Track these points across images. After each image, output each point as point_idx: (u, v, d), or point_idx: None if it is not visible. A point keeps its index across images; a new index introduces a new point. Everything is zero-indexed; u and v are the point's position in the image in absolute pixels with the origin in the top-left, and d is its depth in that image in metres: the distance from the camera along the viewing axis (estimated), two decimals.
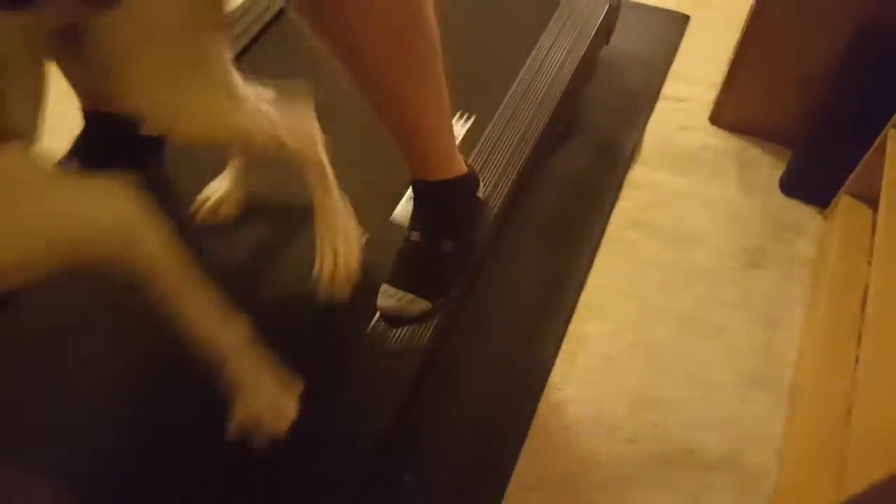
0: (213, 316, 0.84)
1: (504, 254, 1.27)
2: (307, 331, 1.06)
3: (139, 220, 0.75)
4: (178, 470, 0.92)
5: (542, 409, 1.16)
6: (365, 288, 1.07)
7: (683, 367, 1.23)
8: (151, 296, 0.79)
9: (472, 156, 1.22)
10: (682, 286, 1.33)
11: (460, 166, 1.06)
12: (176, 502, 0.90)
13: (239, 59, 1.34)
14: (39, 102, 0.78)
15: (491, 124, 1.28)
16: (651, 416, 1.17)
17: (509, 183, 1.22)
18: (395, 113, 0.96)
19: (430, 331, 1.06)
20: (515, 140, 1.27)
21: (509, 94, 1.33)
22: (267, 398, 0.90)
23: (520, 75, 1.36)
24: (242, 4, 1.49)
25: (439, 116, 0.99)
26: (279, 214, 1.20)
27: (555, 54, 1.41)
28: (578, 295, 1.30)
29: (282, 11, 1.46)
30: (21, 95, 0.75)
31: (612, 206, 1.43)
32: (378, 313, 1.04)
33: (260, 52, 1.40)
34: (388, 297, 1.03)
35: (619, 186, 1.45)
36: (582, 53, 1.42)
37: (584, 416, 1.16)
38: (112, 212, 0.74)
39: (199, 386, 0.89)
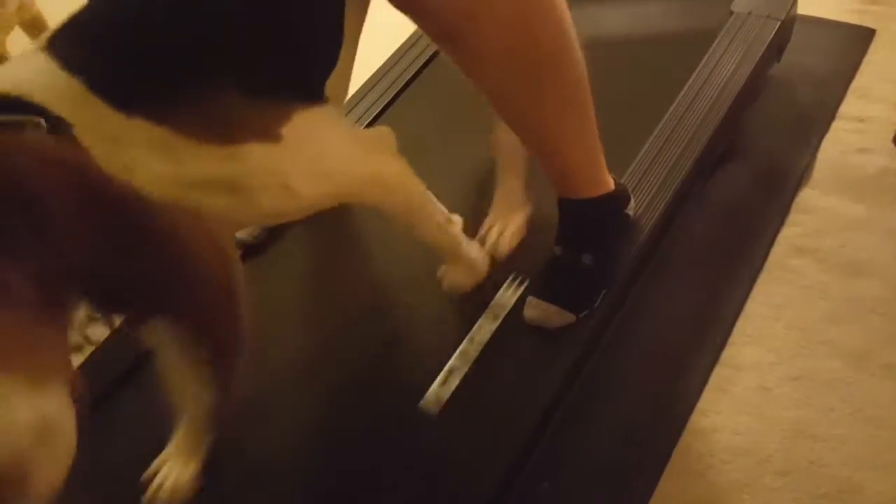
0: (440, 224, 1.01)
1: (657, 274, 1.25)
2: (454, 336, 1.12)
3: (403, 173, 0.90)
4: (313, 470, 1.00)
5: (688, 433, 1.13)
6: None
7: (850, 404, 1.14)
8: (394, 221, 0.97)
9: (627, 174, 1.22)
10: (853, 320, 1.23)
11: (607, 184, 1.07)
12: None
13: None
14: (348, 75, 0.90)
15: (648, 142, 1.28)
16: (808, 451, 1.09)
17: (664, 203, 1.20)
18: (541, 144, 0.99)
19: (575, 344, 1.08)
20: (673, 159, 1.25)
21: (669, 111, 1.32)
22: (467, 269, 1.10)
23: (681, 93, 1.34)
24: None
25: (587, 142, 1.00)
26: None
27: (719, 72, 1.38)
28: (735, 321, 1.25)
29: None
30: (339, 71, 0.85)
31: (776, 231, 1.35)
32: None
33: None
34: (534, 307, 1.06)
35: (786, 211, 1.37)
36: (749, 72, 1.37)
37: (732, 445, 1.11)
38: (382, 165, 0.86)
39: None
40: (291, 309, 1.22)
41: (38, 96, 0.58)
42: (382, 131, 0.90)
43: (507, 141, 1.11)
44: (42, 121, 0.56)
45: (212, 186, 0.69)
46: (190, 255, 0.55)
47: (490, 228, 1.17)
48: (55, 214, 0.47)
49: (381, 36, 1.23)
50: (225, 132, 0.68)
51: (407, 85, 1.46)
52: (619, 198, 1.09)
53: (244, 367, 0.63)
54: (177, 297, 0.55)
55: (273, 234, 1.28)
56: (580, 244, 1.06)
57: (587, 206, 1.05)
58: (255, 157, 0.70)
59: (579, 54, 0.90)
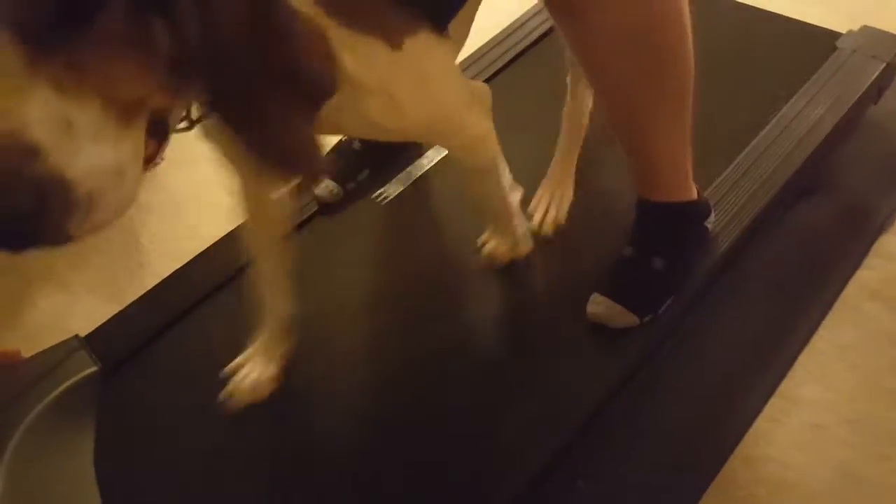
0: (504, 189, 1.02)
1: (726, 294, 1.22)
2: (506, 328, 1.14)
3: (489, 129, 0.91)
4: (353, 471, 1.00)
5: (735, 458, 1.10)
6: (572, 296, 1.11)
7: None
8: (465, 174, 0.99)
9: (710, 189, 1.20)
10: None
11: (690, 191, 1.06)
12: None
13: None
14: (470, 23, 0.93)
15: (736, 161, 1.26)
16: (856, 495, 1.06)
17: (743, 224, 1.19)
18: (632, 133, 0.98)
19: (634, 347, 1.07)
20: (757, 183, 1.24)
21: (760, 135, 1.30)
22: (517, 239, 1.12)
23: (774, 119, 1.32)
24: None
25: (678, 143, 1.00)
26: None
27: (814, 107, 1.35)
28: (798, 354, 1.22)
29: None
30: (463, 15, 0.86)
31: (852, 272, 1.32)
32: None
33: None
34: (597, 304, 1.06)
35: (864, 253, 1.34)
36: (844, 112, 1.34)
37: (779, 478, 1.08)
38: (475, 115, 0.88)
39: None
40: (358, 269, 1.24)
41: None
42: (483, 87, 0.91)
43: (573, 112, 1.18)
44: None
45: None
46: (307, 70, 0.56)
47: (539, 203, 1.21)
48: None
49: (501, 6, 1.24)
50: (360, 20, 0.68)
51: (514, 59, 1.49)
52: (700, 208, 1.08)
53: None
54: (279, 101, 0.56)
55: (350, 196, 1.31)
56: (654, 247, 1.05)
57: (668, 210, 1.04)
58: (376, 56, 0.71)
59: (692, 51, 0.90)
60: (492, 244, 1.14)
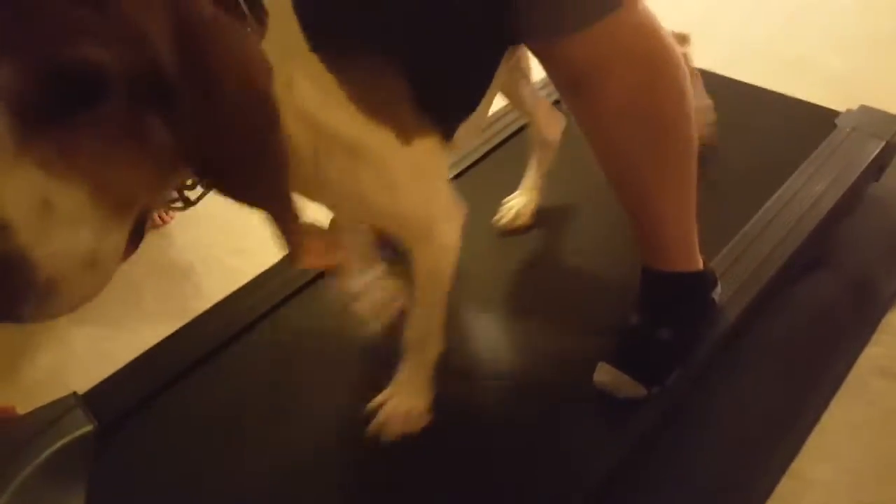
0: (433, 329, 0.99)
1: (734, 367, 1.21)
2: (508, 394, 1.11)
3: (452, 249, 0.90)
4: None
5: None
6: (577, 362, 1.10)
7: None
8: (410, 288, 0.96)
9: (715, 260, 1.21)
10: None
11: (697, 262, 1.06)
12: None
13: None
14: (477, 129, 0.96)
15: (738, 237, 1.27)
16: None
17: (749, 296, 1.18)
18: (639, 204, 0.99)
19: (639, 419, 1.05)
20: (762, 256, 1.24)
21: (763, 208, 1.31)
22: (410, 405, 1.03)
23: (776, 194, 1.34)
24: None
25: (684, 213, 1.01)
26: None
27: (816, 183, 1.37)
28: (809, 432, 1.20)
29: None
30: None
31: (860, 349, 1.30)
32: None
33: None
34: (605, 373, 1.04)
35: (872, 329, 1.33)
36: (845, 188, 1.36)
37: None
38: (449, 228, 0.89)
39: None
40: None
41: None
42: (461, 207, 0.91)
43: (541, 139, 1.29)
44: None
45: (338, 143, 0.71)
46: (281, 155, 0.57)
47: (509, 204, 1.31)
48: (217, 91, 0.49)
49: None
50: (379, 111, 0.71)
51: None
52: (706, 279, 1.08)
53: None
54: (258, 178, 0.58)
55: None
56: (660, 317, 1.05)
57: (674, 280, 1.04)
58: (384, 144, 0.74)
59: (694, 122, 0.92)
60: (389, 407, 1.04)
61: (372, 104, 0.71)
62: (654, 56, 0.87)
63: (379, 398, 1.05)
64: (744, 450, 1.16)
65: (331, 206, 0.86)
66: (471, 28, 0.81)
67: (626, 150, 0.92)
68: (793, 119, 1.52)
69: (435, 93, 0.78)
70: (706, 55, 0.94)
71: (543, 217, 1.35)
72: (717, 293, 1.12)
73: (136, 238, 0.54)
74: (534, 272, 1.28)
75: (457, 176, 1.44)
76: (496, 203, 1.37)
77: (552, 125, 1.30)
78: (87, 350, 1.44)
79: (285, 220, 0.62)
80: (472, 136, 0.95)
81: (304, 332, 1.23)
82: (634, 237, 1.04)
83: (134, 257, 0.59)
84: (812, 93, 1.60)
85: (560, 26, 0.82)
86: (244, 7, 0.58)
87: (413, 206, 0.83)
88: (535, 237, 1.33)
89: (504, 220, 1.32)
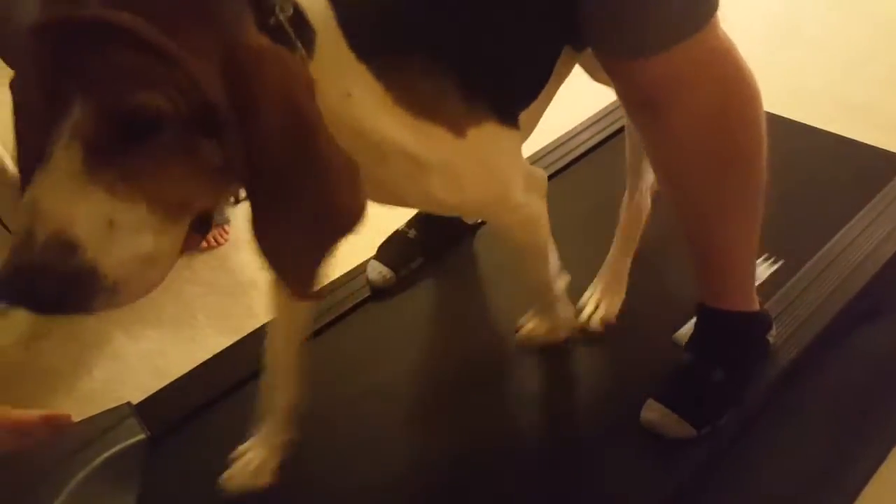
0: (551, 274, 1.05)
1: (787, 412, 1.17)
2: (552, 428, 1.11)
3: (542, 214, 0.94)
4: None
5: None
6: (624, 398, 1.08)
7: None
8: (515, 254, 1.02)
9: (771, 301, 1.19)
10: None
11: (754, 302, 1.04)
12: None
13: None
14: (539, 116, 0.96)
15: (794, 279, 1.24)
16: None
17: (804, 341, 1.16)
18: (703, 237, 0.98)
19: (687, 460, 1.02)
20: (819, 300, 1.21)
21: (820, 253, 1.28)
22: (556, 323, 1.15)
23: (833, 240, 1.31)
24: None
25: (747, 251, 0.99)
26: None
27: (877, 227, 1.34)
28: (864, 486, 1.15)
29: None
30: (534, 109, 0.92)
31: None
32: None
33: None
34: (654, 411, 1.03)
35: None
36: None
37: None
38: (531, 199, 0.91)
39: None
40: (413, 351, 1.25)
41: (304, 4, 0.63)
42: (540, 172, 0.94)
43: (632, 210, 1.20)
44: (291, 9, 0.61)
45: (399, 150, 0.73)
46: (332, 184, 0.60)
47: (590, 298, 1.21)
48: (261, 116, 0.54)
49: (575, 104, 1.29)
50: (426, 109, 0.73)
51: (578, 159, 1.55)
52: (763, 320, 1.06)
53: None
54: (303, 204, 0.59)
55: (402, 282, 1.34)
56: (715, 357, 1.03)
57: (731, 319, 1.02)
58: (439, 142, 0.75)
59: (766, 155, 0.91)
60: (530, 325, 1.16)
61: (419, 104, 0.72)
62: (732, 81, 0.86)
63: (523, 319, 1.16)
64: (794, 498, 1.12)
65: (400, 204, 0.87)
66: (522, 17, 0.82)
67: (694, 175, 0.91)
68: (853, 162, 1.50)
69: (486, 81, 0.78)
70: (766, 95, 0.94)
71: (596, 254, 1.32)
72: (773, 335, 1.10)
73: (202, 230, 0.60)
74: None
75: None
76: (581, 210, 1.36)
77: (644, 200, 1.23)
78: (142, 364, 1.48)
79: (312, 262, 0.62)
80: (534, 124, 0.95)
81: (350, 352, 1.24)
82: (695, 273, 1.03)
83: (189, 277, 0.63)
84: (874, 137, 1.57)
85: (640, 47, 0.81)
86: (290, 33, 0.60)
87: (483, 191, 0.84)
88: None
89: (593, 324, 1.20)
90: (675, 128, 0.87)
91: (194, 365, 1.27)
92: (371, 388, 1.17)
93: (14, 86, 0.56)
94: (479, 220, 1.42)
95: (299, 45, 0.61)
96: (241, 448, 1.06)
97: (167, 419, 1.14)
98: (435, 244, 1.36)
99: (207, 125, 0.53)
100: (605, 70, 0.87)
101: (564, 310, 1.14)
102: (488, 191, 0.85)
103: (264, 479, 1.03)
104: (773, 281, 1.23)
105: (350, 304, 1.30)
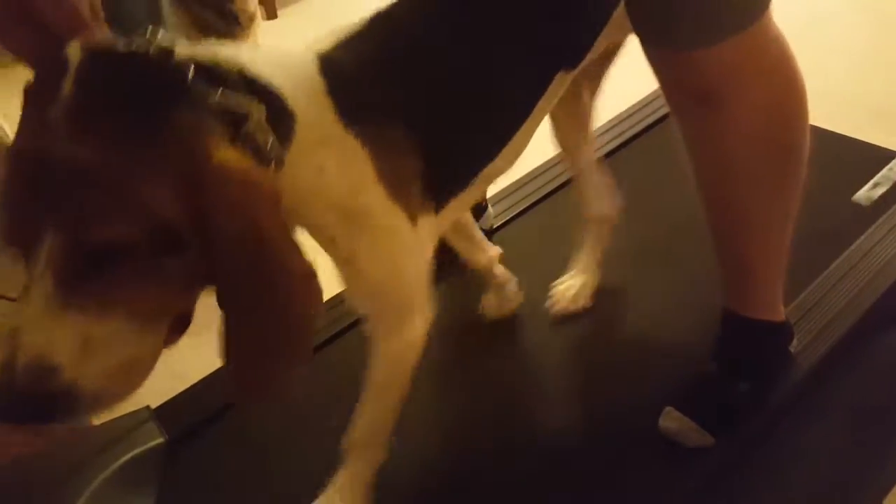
0: (382, 431, 0.92)
1: (804, 424, 1.16)
2: (569, 434, 1.10)
3: (420, 345, 0.87)
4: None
5: None
6: (646, 408, 1.08)
7: None
8: (366, 379, 0.90)
9: (789, 308, 1.17)
10: None
11: (780, 312, 1.03)
12: None
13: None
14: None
15: (812, 286, 1.23)
16: None
17: (819, 351, 1.14)
18: (738, 243, 0.96)
19: (705, 468, 1.02)
20: (838, 307, 1.20)
21: (839, 260, 1.27)
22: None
23: (853, 246, 1.30)
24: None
25: (780, 257, 0.98)
26: None
27: None
28: (883, 497, 1.14)
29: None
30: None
31: None
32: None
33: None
34: (673, 420, 1.02)
35: None
36: None
37: None
38: (418, 318, 0.86)
39: None
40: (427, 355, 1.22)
41: (281, 83, 0.65)
42: (432, 307, 0.89)
43: (598, 213, 1.22)
44: (264, 110, 0.62)
45: (354, 216, 0.73)
46: (290, 295, 0.61)
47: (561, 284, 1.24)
48: (218, 229, 0.56)
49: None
50: (398, 186, 0.74)
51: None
52: (787, 330, 1.05)
53: None
54: (259, 317, 0.61)
55: None
56: (740, 367, 1.02)
57: (758, 328, 1.01)
58: (396, 219, 0.75)
59: (807, 160, 0.89)
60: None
61: (395, 183, 0.73)
62: (787, 69, 0.84)
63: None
64: None
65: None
66: (496, 95, 0.82)
67: (743, 172, 0.88)
68: (875, 169, 1.48)
69: (443, 172, 0.79)
70: None
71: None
72: (794, 345, 1.09)
73: (182, 328, 0.63)
74: (600, 315, 1.26)
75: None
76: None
77: (610, 198, 1.22)
78: (160, 368, 1.47)
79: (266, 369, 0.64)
80: (516, 157, 0.94)
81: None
82: (722, 279, 1.01)
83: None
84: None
85: (701, 37, 0.78)
86: (260, 142, 0.61)
87: (400, 284, 0.82)
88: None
89: (559, 306, 1.23)
90: (732, 122, 0.84)
91: (213, 369, 1.27)
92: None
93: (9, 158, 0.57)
94: (492, 226, 1.42)
95: (270, 146, 0.62)
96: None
97: (186, 423, 1.14)
98: (448, 250, 1.35)
99: (172, 244, 0.56)
100: (657, 63, 0.84)
101: (363, 500, 0.96)
102: (404, 284, 0.82)
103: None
104: (792, 288, 1.22)
105: (330, 333, 1.29)
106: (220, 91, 0.59)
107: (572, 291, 1.22)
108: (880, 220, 1.34)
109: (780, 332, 1.04)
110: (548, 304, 1.23)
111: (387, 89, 0.74)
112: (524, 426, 1.12)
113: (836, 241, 1.31)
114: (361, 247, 0.75)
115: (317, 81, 0.69)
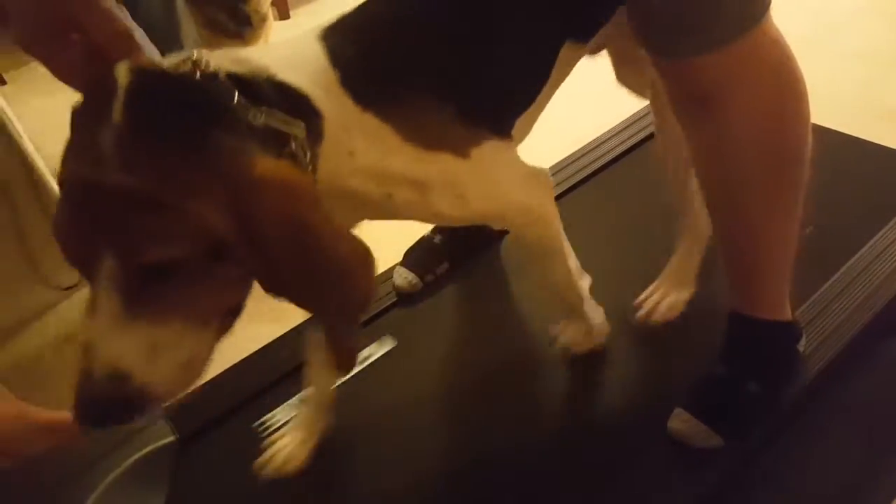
0: (570, 274, 1.03)
1: (814, 427, 1.15)
2: (579, 434, 1.10)
3: (551, 213, 0.95)
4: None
5: None
6: (655, 409, 1.08)
7: None
8: (531, 259, 1.02)
9: (800, 310, 1.17)
10: None
11: (786, 312, 1.03)
12: None
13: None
14: (533, 122, 0.98)
15: (823, 288, 1.22)
16: None
17: (829, 353, 1.14)
18: (742, 240, 0.96)
19: (714, 471, 1.01)
20: (845, 313, 1.19)
21: (850, 262, 1.26)
22: (587, 329, 1.14)
23: (864, 248, 1.29)
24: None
25: (785, 257, 0.97)
26: None
27: None
28: (892, 499, 1.13)
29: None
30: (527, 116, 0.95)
31: None
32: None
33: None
34: (682, 421, 1.02)
35: None
36: None
37: None
38: (538, 200, 0.93)
39: None
40: (439, 356, 1.26)
41: (304, 84, 0.70)
42: (543, 171, 0.94)
43: (694, 223, 1.18)
44: (304, 128, 0.67)
45: (404, 182, 0.78)
46: (345, 278, 0.66)
47: (651, 295, 1.20)
48: (267, 237, 0.60)
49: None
50: (432, 141, 0.78)
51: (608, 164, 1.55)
52: (795, 330, 1.05)
53: None
54: (323, 301, 0.67)
55: (428, 288, 1.35)
56: (748, 367, 1.02)
57: (764, 328, 1.01)
58: (445, 166, 0.80)
59: (809, 162, 0.89)
60: (568, 333, 1.15)
61: (425, 138, 0.77)
62: (787, 74, 0.85)
63: (559, 326, 1.15)
64: None
65: (411, 219, 0.89)
66: (515, 23, 0.85)
67: (744, 176, 0.89)
68: (887, 170, 1.47)
69: (482, 103, 0.82)
70: None
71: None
72: (803, 345, 1.08)
73: (233, 317, 0.66)
74: (608, 317, 1.24)
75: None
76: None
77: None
78: None
79: (345, 337, 0.70)
80: (530, 127, 0.98)
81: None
82: (729, 281, 1.01)
83: None
84: None
85: (700, 43, 0.79)
86: (301, 156, 0.66)
87: (489, 204, 0.87)
88: None
89: (651, 315, 1.20)
90: (729, 127, 0.85)
91: (224, 368, 1.28)
92: (397, 394, 1.17)
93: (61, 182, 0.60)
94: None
95: (308, 158, 0.67)
96: (275, 436, 1.10)
97: (197, 421, 1.15)
98: (461, 249, 1.37)
99: (224, 253, 0.59)
100: (657, 67, 0.85)
101: (595, 313, 1.13)
102: (495, 202, 0.87)
103: (296, 464, 1.07)
104: (803, 290, 1.22)
105: (377, 310, 1.31)
106: (264, 112, 0.63)
107: (663, 305, 1.20)
108: (892, 223, 1.33)
109: (788, 331, 1.04)
110: (636, 308, 1.21)
111: (393, 64, 0.77)
112: (531, 427, 1.12)
113: (849, 242, 1.30)
114: (416, 199, 0.80)
115: (330, 74, 0.72)
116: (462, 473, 1.07)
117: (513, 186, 0.89)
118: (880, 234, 1.32)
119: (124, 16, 0.62)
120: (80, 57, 0.61)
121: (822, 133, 1.56)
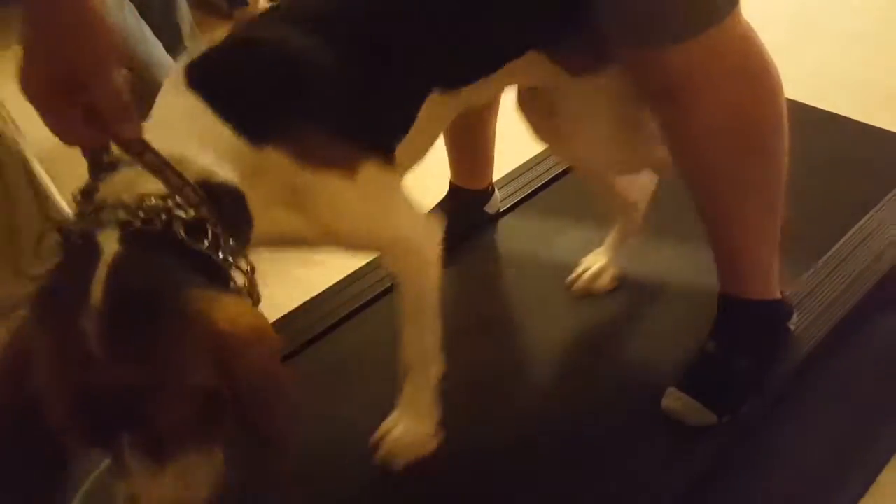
0: (429, 347, 0.98)
1: (806, 402, 1.17)
2: (572, 415, 1.11)
3: (431, 262, 0.92)
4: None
5: None
6: (644, 385, 1.10)
7: None
8: (398, 304, 0.97)
9: (791, 289, 1.19)
10: None
11: (775, 291, 1.04)
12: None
13: None
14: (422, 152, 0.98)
15: (815, 267, 1.24)
16: None
17: (821, 332, 1.16)
18: (718, 222, 0.98)
19: (707, 447, 1.04)
20: (841, 287, 1.21)
21: (840, 242, 1.28)
22: (416, 428, 1.03)
23: (855, 228, 1.31)
24: None
25: (766, 239, 0.99)
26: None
27: None
28: (878, 473, 1.15)
29: None
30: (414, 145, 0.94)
31: None
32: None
33: None
34: (675, 399, 1.03)
35: None
36: None
37: None
38: (421, 243, 0.92)
39: None
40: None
41: (219, 169, 0.72)
42: (434, 220, 0.94)
43: (623, 202, 1.19)
44: (251, 267, 0.73)
45: (294, 202, 0.79)
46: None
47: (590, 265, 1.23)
48: (244, 379, 0.65)
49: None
50: (324, 159, 0.79)
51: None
52: (783, 308, 1.06)
53: None
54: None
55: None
56: (737, 346, 1.04)
57: (753, 308, 1.03)
58: (333, 183, 0.80)
59: (787, 143, 0.90)
60: (397, 432, 1.03)
61: (317, 159, 0.78)
62: (754, 70, 0.86)
63: (384, 426, 1.03)
64: (811, 485, 1.12)
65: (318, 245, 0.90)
66: (385, 70, 0.84)
67: (715, 166, 0.90)
68: (877, 150, 1.49)
69: (358, 124, 0.82)
70: (791, 83, 0.93)
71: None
72: (794, 323, 1.10)
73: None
74: (601, 299, 1.26)
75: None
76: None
77: (636, 184, 1.20)
78: None
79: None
80: (416, 159, 0.97)
81: (372, 341, 1.26)
82: (716, 263, 1.03)
83: None
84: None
85: (665, 35, 0.81)
86: (244, 289, 0.72)
87: (375, 227, 0.87)
88: None
89: (581, 283, 1.24)
90: (697, 119, 0.86)
91: None
92: (392, 378, 1.18)
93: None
94: (499, 210, 1.43)
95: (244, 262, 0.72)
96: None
97: None
98: (454, 234, 1.36)
99: (213, 396, 0.65)
100: (625, 61, 0.86)
101: (431, 415, 1.03)
102: (379, 226, 0.87)
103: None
104: (794, 268, 1.23)
105: (372, 294, 1.31)
106: (220, 256, 0.68)
107: (592, 271, 1.23)
108: (883, 202, 1.35)
109: (776, 310, 1.06)
110: (568, 280, 1.25)
111: (267, 94, 0.78)
112: (526, 407, 1.13)
113: (840, 222, 1.32)
114: (322, 216, 0.82)
115: (223, 130, 0.73)
116: (452, 453, 1.07)
117: (400, 217, 0.89)
118: (870, 213, 1.33)
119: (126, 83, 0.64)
120: (79, 118, 0.63)
121: (810, 112, 1.58)
